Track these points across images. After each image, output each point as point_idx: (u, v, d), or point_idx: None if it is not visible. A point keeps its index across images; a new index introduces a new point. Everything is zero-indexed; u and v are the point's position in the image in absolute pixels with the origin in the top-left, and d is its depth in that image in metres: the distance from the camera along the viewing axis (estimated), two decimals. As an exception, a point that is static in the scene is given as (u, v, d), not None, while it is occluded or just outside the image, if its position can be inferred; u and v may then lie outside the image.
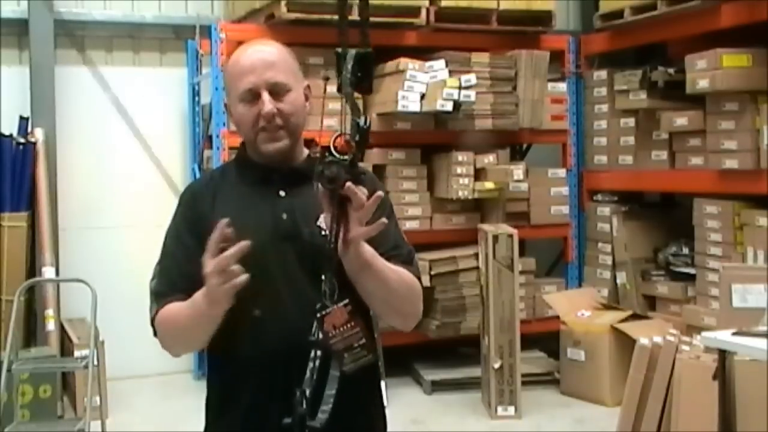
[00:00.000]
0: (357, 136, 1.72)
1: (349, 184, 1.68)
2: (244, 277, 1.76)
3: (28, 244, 5.79)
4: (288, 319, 1.92)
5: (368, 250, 1.83)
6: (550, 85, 6.55)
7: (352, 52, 1.78)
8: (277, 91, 1.97)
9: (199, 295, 1.85)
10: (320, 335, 1.73)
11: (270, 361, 1.92)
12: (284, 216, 1.98)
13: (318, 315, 1.74)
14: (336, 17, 1.86)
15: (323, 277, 1.77)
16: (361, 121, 1.72)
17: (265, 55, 2.01)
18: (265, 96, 1.96)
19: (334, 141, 1.70)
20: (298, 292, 1.93)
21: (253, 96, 1.97)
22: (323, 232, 1.90)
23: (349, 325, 1.70)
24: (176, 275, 1.97)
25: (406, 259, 2.01)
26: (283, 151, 2.00)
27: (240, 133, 2.05)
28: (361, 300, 1.87)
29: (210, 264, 1.77)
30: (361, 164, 1.74)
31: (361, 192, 1.72)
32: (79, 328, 5.67)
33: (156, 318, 1.98)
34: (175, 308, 1.94)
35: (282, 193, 2.01)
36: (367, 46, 1.80)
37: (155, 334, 2.02)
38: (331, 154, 1.68)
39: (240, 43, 6.29)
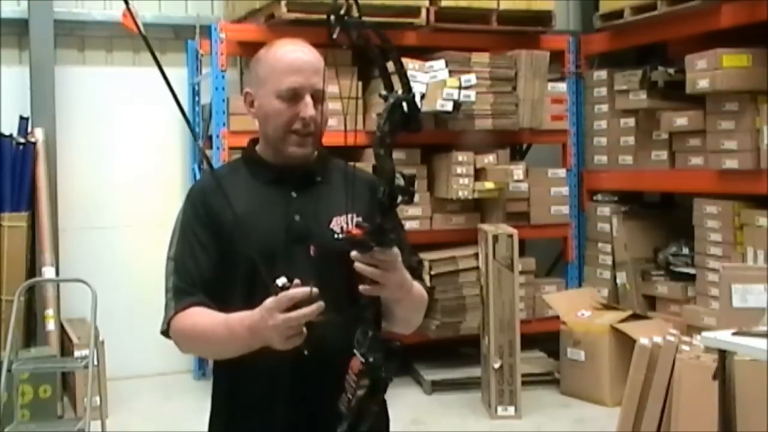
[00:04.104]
0: (387, 198, 1.75)
1: (374, 251, 1.74)
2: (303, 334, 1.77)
3: (28, 244, 5.78)
4: None
5: (408, 280, 1.87)
6: (550, 85, 6.54)
7: (390, 101, 1.81)
8: (317, 99, 1.98)
9: (238, 324, 1.83)
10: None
11: (272, 365, 1.90)
12: (297, 217, 1.98)
13: (355, 351, 1.75)
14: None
15: (360, 326, 1.75)
16: (384, 190, 1.76)
17: (311, 59, 2.01)
18: (308, 100, 1.97)
19: (353, 229, 1.75)
20: None
21: (294, 96, 1.97)
22: (335, 236, 1.92)
23: (354, 377, 1.73)
24: (195, 273, 1.96)
25: (418, 274, 2.05)
26: (307, 157, 2.02)
27: (265, 126, 2.02)
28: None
29: (278, 317, 1.73)
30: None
31: (389, 255, 1.76)
32: (79, 328, 5.67)
33: (176, 317, 1.95)
34: (203, 319, 1.91)
35: (294, 194, 2.01)
36: (408, 92, 1.85)
37: (165, 331, 1.98)
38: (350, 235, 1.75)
39: (240, 43, 6.31)
